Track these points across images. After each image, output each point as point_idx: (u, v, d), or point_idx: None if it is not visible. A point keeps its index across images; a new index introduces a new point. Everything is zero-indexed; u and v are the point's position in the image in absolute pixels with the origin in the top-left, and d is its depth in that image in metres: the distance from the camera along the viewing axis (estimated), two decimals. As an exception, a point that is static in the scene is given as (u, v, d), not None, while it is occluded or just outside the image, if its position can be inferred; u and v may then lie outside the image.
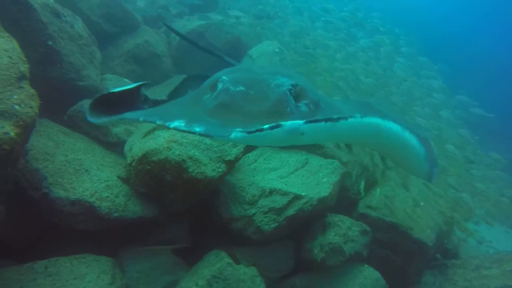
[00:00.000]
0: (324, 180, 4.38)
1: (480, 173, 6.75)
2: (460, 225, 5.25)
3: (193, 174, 3.67)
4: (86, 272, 3.18)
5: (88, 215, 3.44)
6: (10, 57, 2.69)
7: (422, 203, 5.06)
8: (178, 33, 5.64)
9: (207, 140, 3.85)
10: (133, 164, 3.73)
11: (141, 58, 6.67)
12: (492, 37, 25.62)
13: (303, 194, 4.09)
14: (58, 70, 4.42)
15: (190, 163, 3.68)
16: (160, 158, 3.59)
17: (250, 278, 3.68)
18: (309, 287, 4.20)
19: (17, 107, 2.53)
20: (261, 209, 4.00)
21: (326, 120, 1.62)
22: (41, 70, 4.25)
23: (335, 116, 1.65)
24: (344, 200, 4.98)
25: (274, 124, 1.53)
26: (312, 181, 4.36)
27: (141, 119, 1.94)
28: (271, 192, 4.11)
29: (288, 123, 1.55)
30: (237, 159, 4.04)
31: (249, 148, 4.72)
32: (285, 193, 4.08)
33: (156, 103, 2.52)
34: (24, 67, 2.80)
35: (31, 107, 2.66)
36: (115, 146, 4.43)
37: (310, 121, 1.59)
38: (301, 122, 1.57)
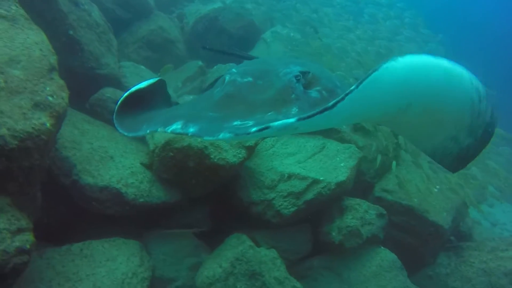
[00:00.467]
0: (342, 164, 4.44)
1: (486, 149, 6.66)
2: (475, 205, 5.27)
3: (215, 160, 3.76)
4: (117, 254, 3.35)
5: (115, 201, 3.58)
6: (41, 50, 2.77)
7: (437, 186, 5.10)
8: (216, 50, 5.02)
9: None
10: (156, 151, 3.84)
11: (155, 44, 6.69)
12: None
13: (321, 178, 4.16)
14: (79, 59, 4.50)
15: (212, 149, 3.77)
16: (183, 145, 3.68)
17: (271, 260, 3.80)
18: (327, 268, 4.33)
19: (50, 98, 2.63)
20: (281, 193, 4.09)
21: (313, 114, 1.58)
22: (63, 59, 4.31)
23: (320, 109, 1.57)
24: (360, 184, 5.05)
25: (262, 126, 1.55)
26: (329, 165, 4.42)
27: (147, 131, 1.99)
28: (290, 176, 4.18)
29: (276, 124, 1.56)
30: (256, 144, 4.11)
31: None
32: (303, 178, 4.15)
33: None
34: (53, 59, 2.88)
35: (62, 98, 2.76)
36: (136, 133, 4.54)
37: (301, 118, 1.58)
38: (292, 120, 1.58)
